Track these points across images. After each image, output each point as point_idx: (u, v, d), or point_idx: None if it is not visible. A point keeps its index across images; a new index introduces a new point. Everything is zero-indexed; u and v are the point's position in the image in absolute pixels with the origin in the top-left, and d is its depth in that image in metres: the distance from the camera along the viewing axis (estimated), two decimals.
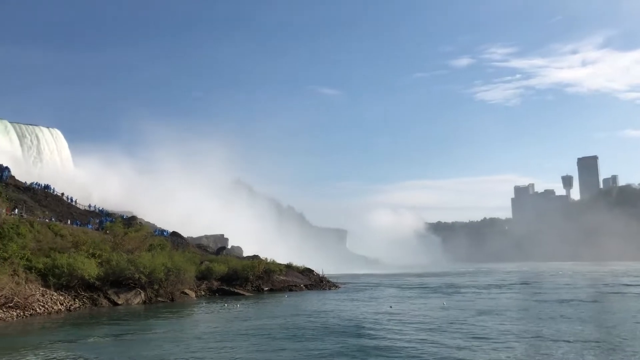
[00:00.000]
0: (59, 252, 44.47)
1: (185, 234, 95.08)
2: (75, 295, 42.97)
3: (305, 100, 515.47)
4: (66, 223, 63.42)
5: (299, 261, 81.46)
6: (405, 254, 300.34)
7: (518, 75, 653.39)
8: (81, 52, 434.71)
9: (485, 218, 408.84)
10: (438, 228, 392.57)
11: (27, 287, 38.19)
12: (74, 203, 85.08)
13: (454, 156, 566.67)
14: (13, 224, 44.54)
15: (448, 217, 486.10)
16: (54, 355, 23.09)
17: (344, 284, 78.93)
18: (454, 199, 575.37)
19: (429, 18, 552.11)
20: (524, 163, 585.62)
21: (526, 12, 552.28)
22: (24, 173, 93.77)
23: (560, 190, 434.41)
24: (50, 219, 61.51)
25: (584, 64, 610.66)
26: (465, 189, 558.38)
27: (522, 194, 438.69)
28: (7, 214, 48.65)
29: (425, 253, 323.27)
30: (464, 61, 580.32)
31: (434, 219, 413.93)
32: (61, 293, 41.82)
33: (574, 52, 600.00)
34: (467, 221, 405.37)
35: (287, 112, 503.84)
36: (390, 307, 43.74)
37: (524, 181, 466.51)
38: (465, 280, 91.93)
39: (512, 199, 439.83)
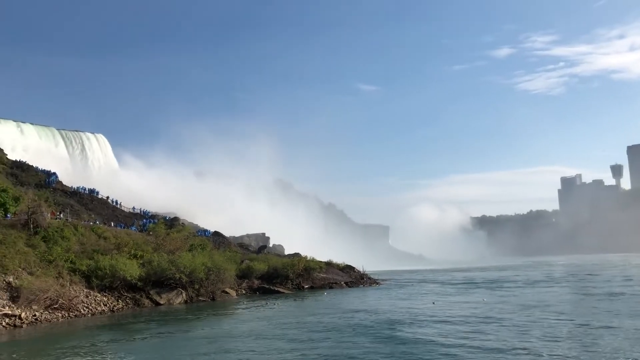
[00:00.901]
0: (102, 254, 45.48)
1: (227, 234, 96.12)
2: (118, 296, 43.87)
3: (344, 97, 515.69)
4: (110, 225, 64.83)
5: (340, 258, 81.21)
6: (450, 249, 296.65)
7: (561, 64, 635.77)
8: (123, 59, 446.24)
9: (531, 210, 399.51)
10: (483, 222, 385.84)
11: (71, 289, 39.22)
12: (118, 206, 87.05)
13: (498, 148, 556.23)
14: (58, 228, 45.77)
15: (493, 211, 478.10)
16: (97, 357, 23.52)
17: (386, 280, 78.20)
18: (498, 192, 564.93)
19: (467, 9, 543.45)
20: (571, 153, 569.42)
21: None
22: (71, 178, 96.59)
23: (609, 180, 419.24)
24: (95, 222, 62.99)
25: (632, 48, 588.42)
26: (510, 181, 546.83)
27: (569, 185, 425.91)
28: (52, 218, 50.03)
29: (470, 248, 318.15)
30: (504, 51, 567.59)
31: (478, 213, 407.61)
32: (104, 294, 42.76)
33: (621, 36, 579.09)
34: (513, 214, 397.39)
35: (327, 109, 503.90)
36: (433, 303, 42.99)
37: (571, 172, 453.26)
38: (510, 274, 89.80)
39: (559, 191, 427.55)
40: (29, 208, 44.87)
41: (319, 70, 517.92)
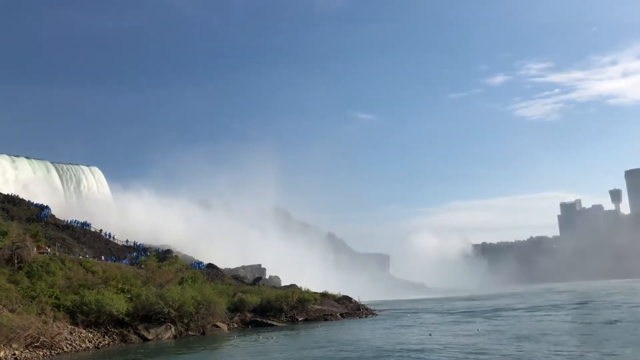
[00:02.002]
0: (89, 289, 44.44)
1: (222, 265, 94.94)
2: (104, 332, 42.70)
3: (342, 126, 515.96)
4: (100, 259, 63.84)
5: (340, 289, 79.93)
6: (451, 278, 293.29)
7: (557, 90, 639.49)
8: (118, 92, 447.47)
9: (531, 237, 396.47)
10: (484, 249, 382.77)
11: (54, 326, 38.09)
12: (111, 239, 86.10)
13: (497, 175, 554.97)
14: (43, 262, 44.87)
15: (494, 238, 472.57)
16: None
17: (384, 310, 76.86)
18: (499, 219, 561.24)
19: (461, 38, 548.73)
20: (569, 179, 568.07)
21: (560, 26, 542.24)
22: (65, 211, 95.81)
23: (608, 205, 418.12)
24: (85, 256, 62.06)
25: (624, 74, 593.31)
26: (510, 207, 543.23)
27: (569, 210, 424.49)
28: (39, 252, 49.15)
29: (472, 276, 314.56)
30: (499, 79, 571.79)
31: (479, 240, 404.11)
32: (90, 330, 41.59)
33: (614, 63, 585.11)
34: (514, 241, 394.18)
35: (326, 138, 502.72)
36: (430, 334, 41.80)
37: (570, 197, 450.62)
38: (510, 302, 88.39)
39: (559, 216, 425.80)
40: (13, 243, 44.00)
41: (316, 100, 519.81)
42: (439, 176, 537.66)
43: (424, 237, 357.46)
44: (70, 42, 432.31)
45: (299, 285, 75.99)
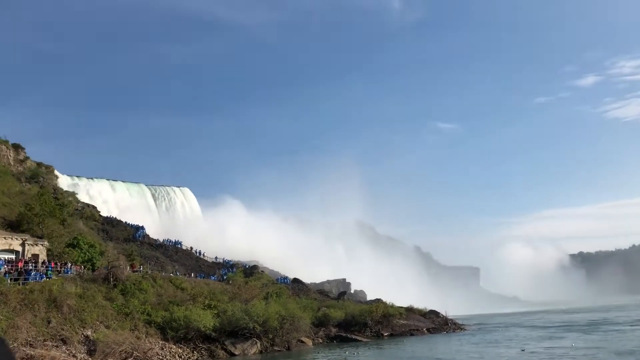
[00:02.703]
0: (178, 305, 46.20)
1: (307, 280, 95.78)
2: (193, 347, 44.14)
3: (424, 136, 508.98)
4: (190, 276, 66.34)
5: (428, 302, 78.59)
6: (547, 290, 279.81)
7: None
8: (205, 116, 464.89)
9: (634, 245, 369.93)
10: (580, 259, 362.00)
11: (147, 341, 39.93)
12: (202, 256, 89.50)
13: (591, 180, 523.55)
14: (136, 280, 47.21)
15: (591, 247, 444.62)
16: None
17: (474, 325, 74.34)
18: (595, 226, 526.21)
19: (544, 40, 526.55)
20: None
21: None
22: (158, 230, 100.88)
23: None
24: (176, 273, 64.71)
25: None
26: (607, 214, 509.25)
27: None
28: (132, 271, 51.85)
29: (569, 287, 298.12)
30: (589, 79, 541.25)
31: (574, 249, 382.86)
32: (180, 345, 43.16)
33: None
34: (614, 249, 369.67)
35: (406, 149, 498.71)
36: (523, 350, 40.01)
37: None
38: (612, 315, 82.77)
39: None
40: (108, 262, 46.72)
41: (396, 112, 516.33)
42: (527, 184, 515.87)
43: (515, 248, 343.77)
44: (160, 73, 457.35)
45: (384, 299, 75.23)
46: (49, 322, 34.90)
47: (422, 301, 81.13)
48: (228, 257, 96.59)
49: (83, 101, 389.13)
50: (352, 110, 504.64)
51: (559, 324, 68.58)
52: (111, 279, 45.26)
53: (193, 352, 43.59)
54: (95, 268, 50.80)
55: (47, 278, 41.56)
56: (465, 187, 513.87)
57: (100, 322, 38.52)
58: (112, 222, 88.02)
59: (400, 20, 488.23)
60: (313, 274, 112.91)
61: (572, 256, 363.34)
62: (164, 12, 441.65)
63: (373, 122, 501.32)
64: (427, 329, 65.00)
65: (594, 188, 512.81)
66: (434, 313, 73.73)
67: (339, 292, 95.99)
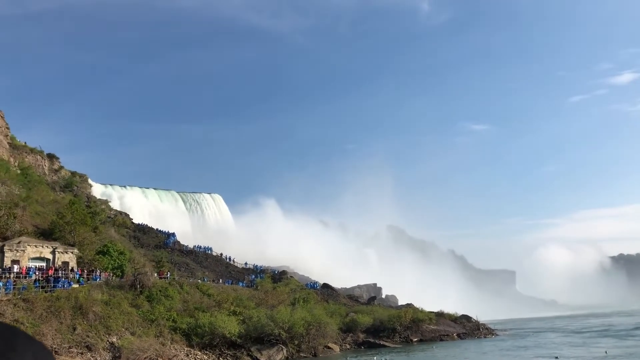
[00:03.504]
0: (203, 312, 46.35)
1: (338, 285, 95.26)
2: (219, 354, 44.20)
3: (456, 138, 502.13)
4: (219, 282, 66.60)
5: (462, 307, 77.32)
6: (586, 293, 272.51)
7: None
8: (236, 124, 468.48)
9: None
10: (620, 261, 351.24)
11: (172, 348, 40.12)
12: (232, 262, 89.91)
13: (630, 179, 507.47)
14: (162, 287, 47.59)
15: (632, 248, 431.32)
16: None
17: (507, 330, 72.66)
18: (636, 227, 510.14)
19: (578, 37, 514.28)
20: None
21: None
22: (189, 236, 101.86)
23: None
24: (204, 279, 65.05)
25: None
26: None
27: None
28: (159, 277, 52.29)
29: (610, 290, 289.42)
30: (626, 77, 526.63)
31: (614, 251, 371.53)
32: (205, 352, 43.27)
33: None
34: None
35: (438, 152, 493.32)
36: (557, 358, 38.77)
37: None
38: None
39: None
40: (134, 269, 47.23)
41: (427, 114, 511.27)
42: (563, 185, 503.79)
43: (552, 251, 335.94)
44: (191, 80, 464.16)
45: (416, 304, 74.27)
46: (74, 329, 35.39)
47: (456, 305, 79.78)
48: (259, 263, 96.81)
49: (116, 111, 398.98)
50: (383, 114, 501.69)
51: (596, 329, 66.45)
52: (137, 286, 45.73)
53: (218, 359, 43.65)
54: (125, 275, 51.47)
55: (78, 285, 42.25)
56: (497, 189, 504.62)
57: (126, 329, 38.90)
58: (143, 229, 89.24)
59: (429, 21, 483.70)
60: (343, 279, 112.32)
61: (613, 258, 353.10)
62: (196, 20, 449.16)
63: (404, 125, 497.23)
64: (457, 334, 63.85)
65: (633, 187, 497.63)
66: (465, 318, 72.40)
67: (369, 297, 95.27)
